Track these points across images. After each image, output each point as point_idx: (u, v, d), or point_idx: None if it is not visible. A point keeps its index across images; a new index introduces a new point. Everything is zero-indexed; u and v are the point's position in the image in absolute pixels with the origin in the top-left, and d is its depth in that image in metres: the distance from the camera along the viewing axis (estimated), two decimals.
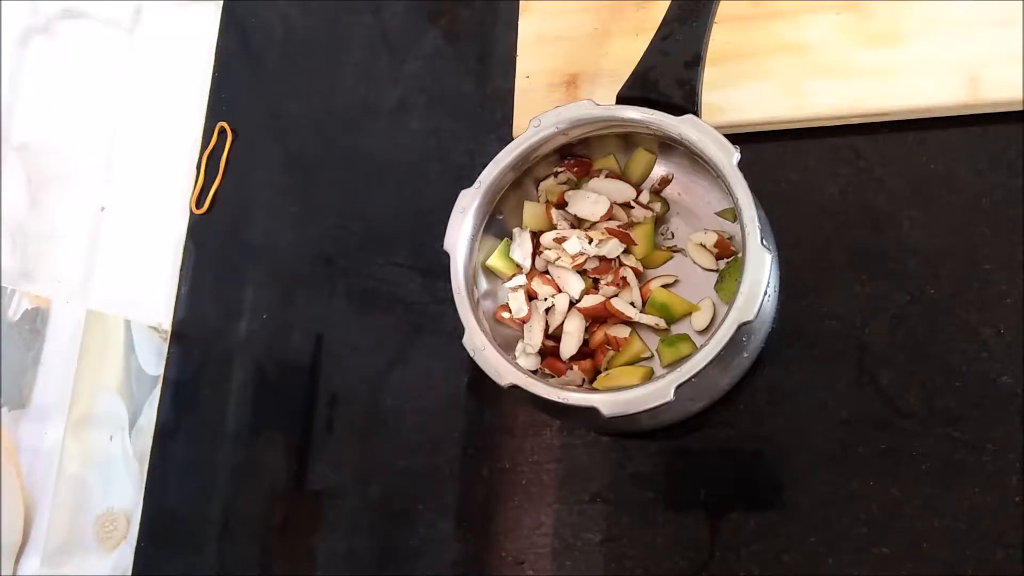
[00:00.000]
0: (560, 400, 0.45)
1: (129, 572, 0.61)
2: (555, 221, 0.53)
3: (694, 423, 0.52)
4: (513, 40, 0.61)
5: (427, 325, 0.60)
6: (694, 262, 0.53)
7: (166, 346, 0.65)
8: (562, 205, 0.54)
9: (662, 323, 0.51)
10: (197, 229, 0.68)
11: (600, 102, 0.49)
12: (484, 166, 0.51)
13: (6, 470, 0.52)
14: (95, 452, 0.58)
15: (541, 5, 0.61)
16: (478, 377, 0.50)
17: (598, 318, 0.52)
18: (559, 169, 0.54)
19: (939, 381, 0.49)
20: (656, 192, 0.55)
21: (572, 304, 0.52)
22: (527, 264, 0.53)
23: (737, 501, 0.51)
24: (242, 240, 0.66)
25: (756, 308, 0.43)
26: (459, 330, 0.48)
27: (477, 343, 0.47)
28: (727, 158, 0.46)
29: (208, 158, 0.68)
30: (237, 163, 0.68)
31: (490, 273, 0.54)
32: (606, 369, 0.52)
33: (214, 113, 0.70)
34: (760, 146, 0.54)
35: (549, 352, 0.53)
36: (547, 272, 0.53)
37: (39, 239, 0.55)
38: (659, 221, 0.54)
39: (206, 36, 0.71)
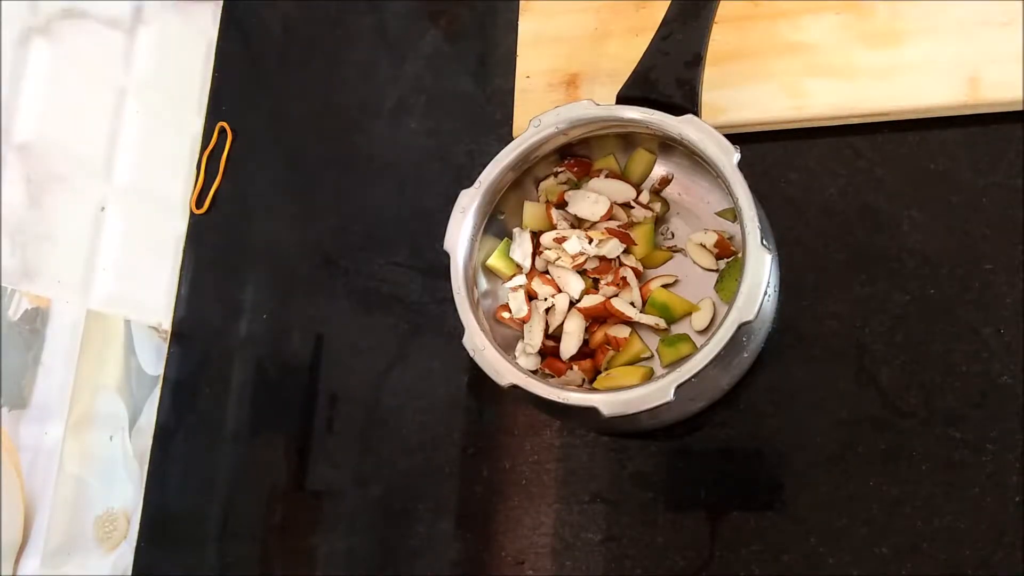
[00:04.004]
0: (560, 400, 0.45)
1: (129, 572, 0.61)
2: (555, 221, 0.53)
3: (694, 423, 0.52)
4: (513, 40, 0.61)
5: (427, 325, 0.60)
6: (694, 262, 0.53)
7: (166, 346, 0.65)
8: (562, 205, 0.54)
9: (662, 323, 0.51)
10: (197, 229, 0.68)
11: (600, 102, 0.49)
12: (484, 166, 0.51)
13: (6, 470, 0.52)
14: (95, 452, 0.58)
15: (541, 5, 0.61)
16: (478, 377, 0.50)
17: (598, 318, 0.52)
18: (559, 169, 0.54)
19: (939, 381, 0.49)
20: (656, 192, 0.55)
21: (572, 304, 0.52)
22: (527, 264, 0.53)
23: (737, 501, 0.51)
24: (242, 240, 0.66)
25: (756, 308, 0.43)
26: (459, 330, 0.48)
27: (477, 343, 0.47)
28: (727, 158, 0.46)
29: (208, 158, 0.68)
30: (237, 163, 0.68)
31: (490, 273, 0.54)
32: (606, 369, 0.52)
33: (214, 113, 0.70)
34: (760, 146, 0.54)
35: (549, 352, 0.53)
36: (547, 272, 0.53)
37: (39, 239, 0.55)
38: (659, 221, 0.54)
39: (206, 36, 0.71)
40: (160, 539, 0.61)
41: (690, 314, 0.52)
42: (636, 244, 0.53)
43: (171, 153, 0.67)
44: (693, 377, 0.43)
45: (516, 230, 0.54)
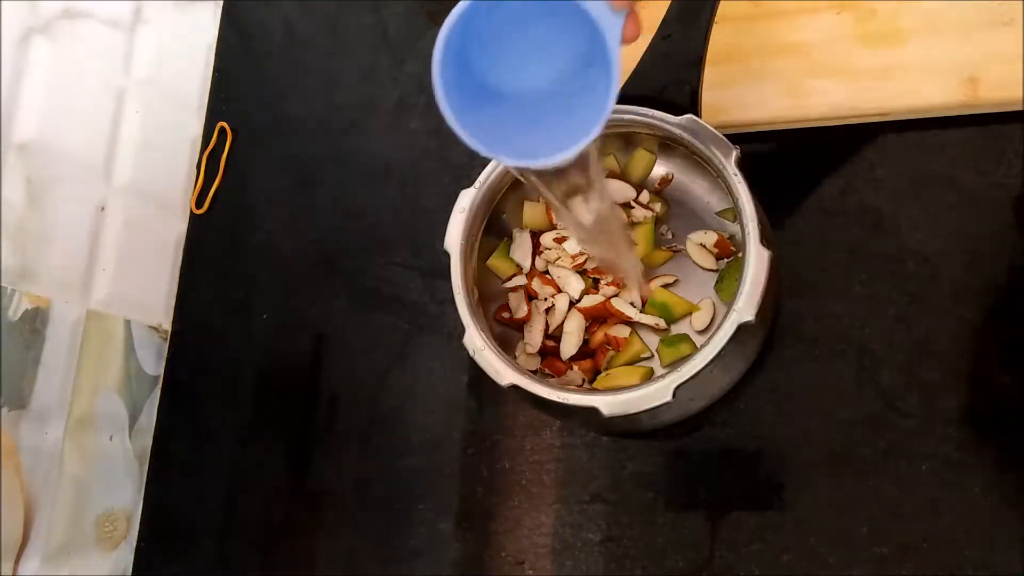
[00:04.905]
0: (560, 400, 0.45)
1: (129, 572, 0.61)
2: (555, 221, 0.53)
3: (694, 423, 0.52)
4: None
5: (427, 325, 0.60)
6: (694, 262, 0.53)
7: (166, 346, 0.65)
8: None
9: (662, 323, 0.51)
10: (197, 229, 0.68)
11: None
12: (484, 166, 0.51)
13: (6, 470, 0.52)
14: (95, 452, 0.58)
15: None
16: (478, 377, 0.50)
17: (598, 318, 0.52)
18: None
19: (939, 381, 0.49)
20: (656, 192, 0.55)
21: (572, 304, 0.52)
22: (527, 264, 0.53)
23: (737, 501, 0.51)
24: (242, 240, 0.66)
25: (756, 308, 0.43)
26: (459, 330, 0.48)
27: (477, 343, 0.47)
28: (727, 158, 0.46)
29: (208, 158, 0.68)
30: (237, 163, 0.68)
31: (490, 273, 0.54)
32: (606, 369, 0.52)
33: (214, 113, 0.70)
34: (760, 146, 0.54)
35: (549, 352, 0.53)
36: (547, 272, 0.53)
37: (39, 239, 0.55)
38: (659, 221, 0.54)
39: (206, 36, 0.71)
40: (160, 539, 0.61)
41: (690, 314, 0.52)
42: (636, 244, 0.53)
43: (171, 153, 0.67)
44: (693, 377, 0.43)
45: (516, 230, 0.54)
